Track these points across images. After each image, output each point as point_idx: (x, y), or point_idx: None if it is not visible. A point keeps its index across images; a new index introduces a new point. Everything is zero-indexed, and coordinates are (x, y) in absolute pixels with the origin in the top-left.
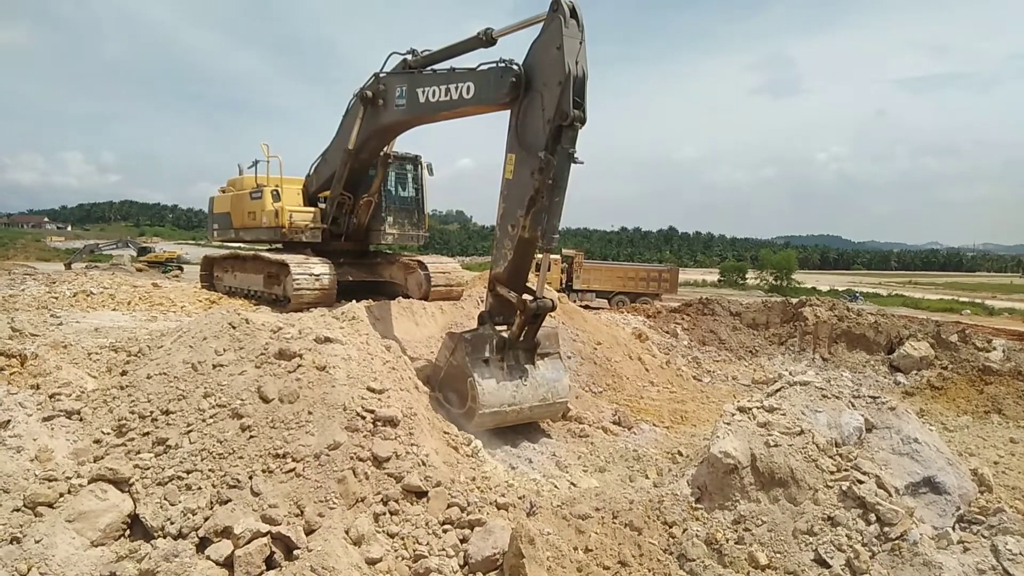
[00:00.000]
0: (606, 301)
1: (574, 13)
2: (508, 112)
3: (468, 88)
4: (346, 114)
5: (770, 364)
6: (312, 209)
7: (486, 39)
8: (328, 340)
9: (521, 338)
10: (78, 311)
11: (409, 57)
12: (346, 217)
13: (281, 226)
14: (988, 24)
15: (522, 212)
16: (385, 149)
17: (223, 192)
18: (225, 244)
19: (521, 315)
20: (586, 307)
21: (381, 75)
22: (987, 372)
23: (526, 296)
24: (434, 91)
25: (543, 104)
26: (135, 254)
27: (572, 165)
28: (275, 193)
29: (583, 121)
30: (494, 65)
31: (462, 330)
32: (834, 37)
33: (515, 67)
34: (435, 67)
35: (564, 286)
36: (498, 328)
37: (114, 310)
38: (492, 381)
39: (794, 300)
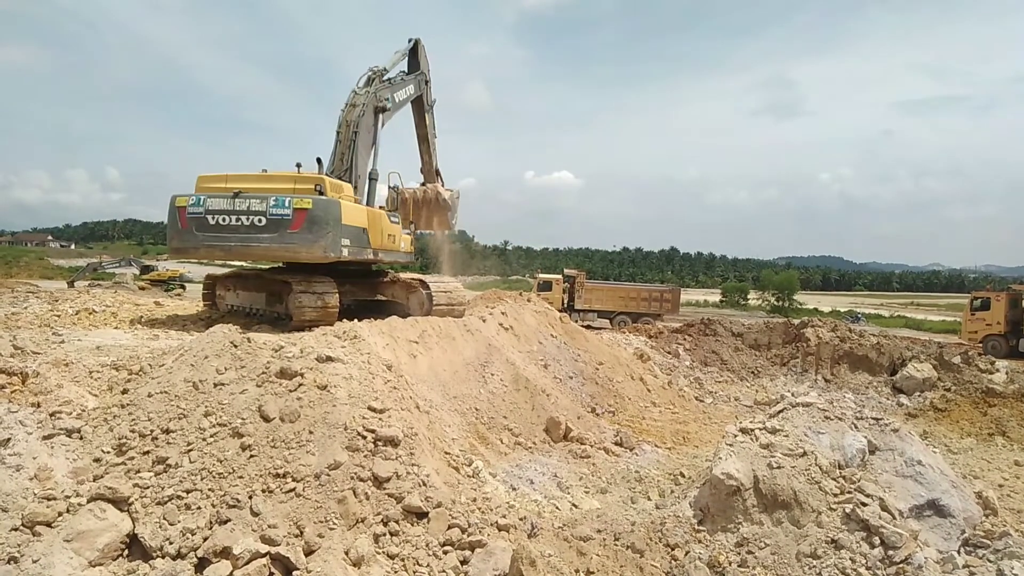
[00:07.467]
0: (608, 321)
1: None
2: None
3: None
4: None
5: (772, 385)
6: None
7: None
8: (329, 359)
9: None
10: (80, 329)
11: None
12: None
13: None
14: (986, 48)
15: None
16: None
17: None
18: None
19: None
20: (588, 327)
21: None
22: (991, 394)
23: None
24: None
25: None
26: (138, 272)
27: None
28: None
29: None
30: None
31: None
32: (833, 60)
33: None
34: None
35: (566, 306)
36: None
37: (116, 328)
38: None
39: (796, 321)
